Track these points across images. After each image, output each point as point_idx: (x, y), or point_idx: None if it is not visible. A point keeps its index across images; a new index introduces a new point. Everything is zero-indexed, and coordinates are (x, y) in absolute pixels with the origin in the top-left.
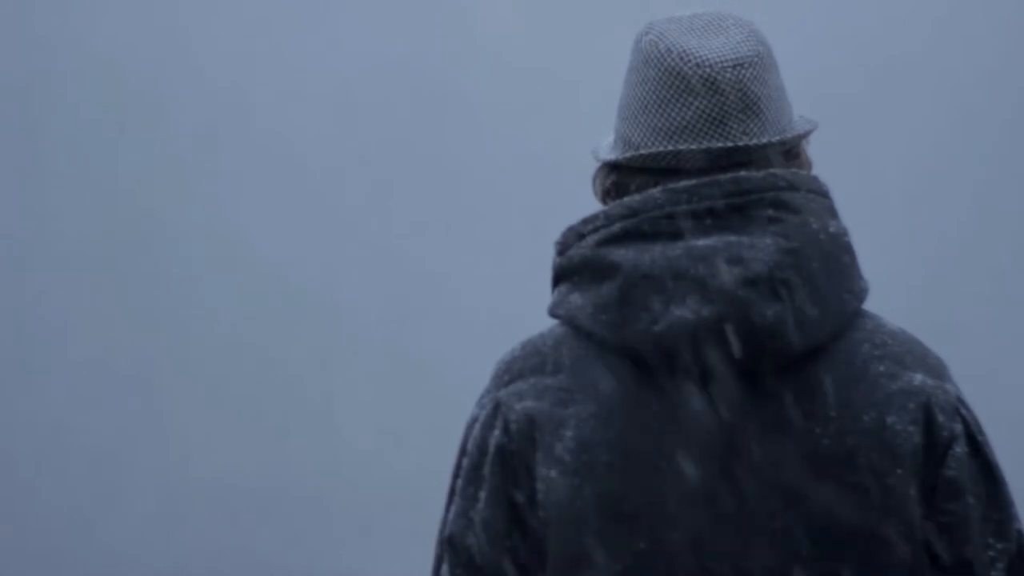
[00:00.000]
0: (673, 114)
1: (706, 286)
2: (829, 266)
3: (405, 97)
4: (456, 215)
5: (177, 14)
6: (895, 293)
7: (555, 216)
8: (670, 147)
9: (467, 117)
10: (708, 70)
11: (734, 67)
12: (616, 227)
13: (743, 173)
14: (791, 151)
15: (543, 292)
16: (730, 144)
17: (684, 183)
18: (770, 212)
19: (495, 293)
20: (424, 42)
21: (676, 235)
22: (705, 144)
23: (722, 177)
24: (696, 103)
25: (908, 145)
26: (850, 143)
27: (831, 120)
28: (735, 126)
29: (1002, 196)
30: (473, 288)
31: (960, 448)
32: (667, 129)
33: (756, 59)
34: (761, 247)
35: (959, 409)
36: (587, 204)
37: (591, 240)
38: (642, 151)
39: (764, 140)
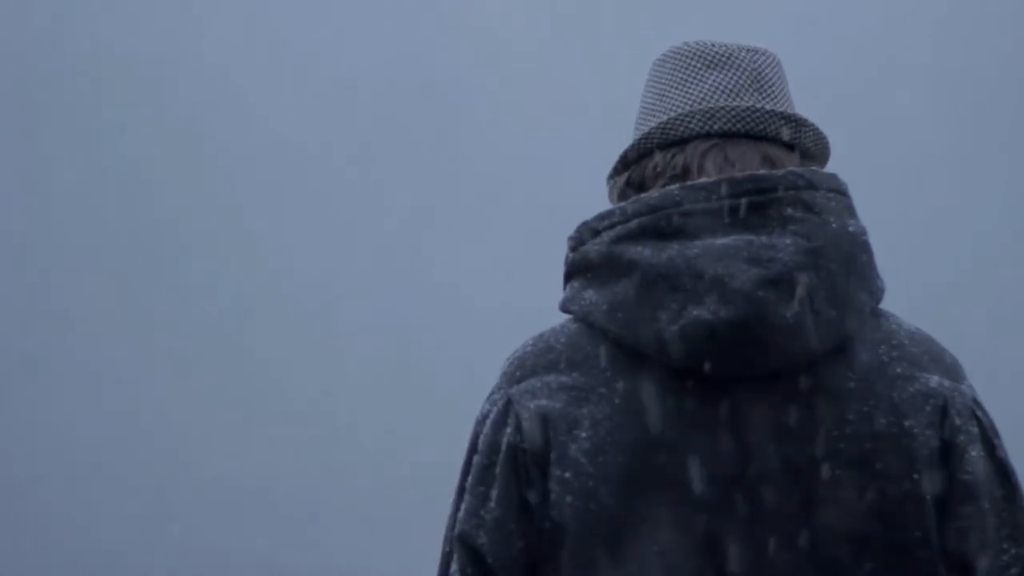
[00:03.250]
0: (690, 90)
1: (725, 287)
2: (848, 266)
3: (406, 92)
4: (458, 211)
5: (179, 9)
6: (897, 291)
7: (559, 212)
8: (683, 110)
9: (469, 112)
10: (723, 49)
11: (748, 51)
12: (633, 224)
13: (762, 171)
14: (809, 152)
15: (547, 288)
16: (745, 104)
17: (703, 180)
18: (789, 211)
19: (498, 289)
20: (426, 38)
21: (694, 233)
22: (719, 104)
23: (740, 175)
24: (712, 77)
25: (911, 144)
26: (851, 142)
27: (833, 119)
28: (748, 98)
29: (1005, 194)
30: (476, 284)
31: (976, 451)
32: (682, 104)
33: (770, 56)
34: (780, 247)
35: (975, 411)
36: (592, 199)
37: (607, 236)
38: (658, 118)
39: (778, 108)
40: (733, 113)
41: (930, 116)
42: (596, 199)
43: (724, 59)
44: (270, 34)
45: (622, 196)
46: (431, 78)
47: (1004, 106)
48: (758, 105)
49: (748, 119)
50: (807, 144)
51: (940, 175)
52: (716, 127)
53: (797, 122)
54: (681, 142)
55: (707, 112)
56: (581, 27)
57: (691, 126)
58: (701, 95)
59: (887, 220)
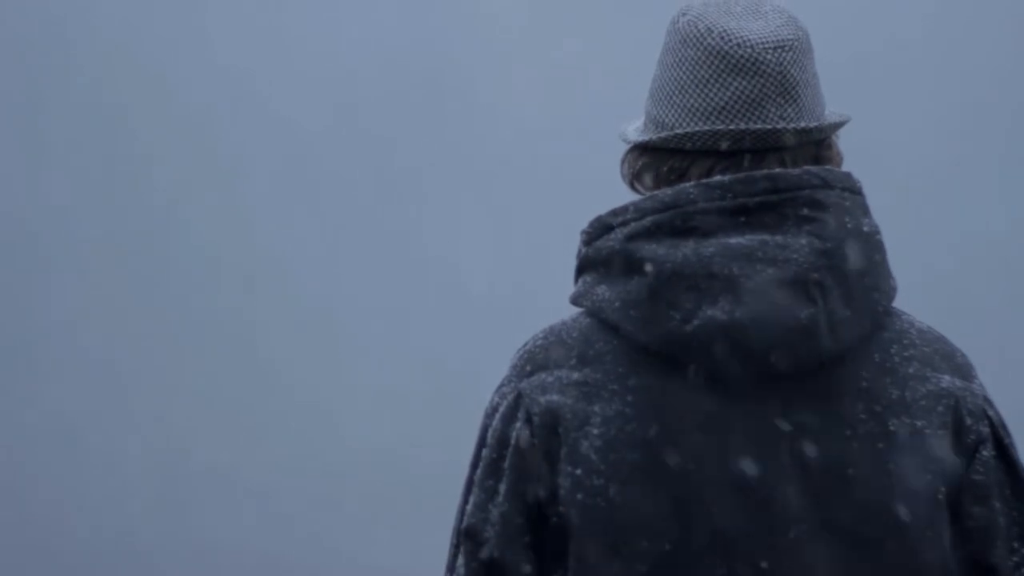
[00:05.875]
0: (711, 95)
1: (739, 287)
2: (862, 266)
3: (411, 84)
4: (463, 205)
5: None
6: (899, 288)
7: (565, 207)
8: (706, 127)
9: (473, 105)
10: (749, 51)
11: (775, 49)
12: (647, 221)
13: (778, 170)
14: (824, 141)
15: (555, 285)
16: (768, 127)
17: (718, 179)
18: (804, 211)
19: (504, 284)
20: (430, 28)
21: (708, 232)
22: (742, 126)
23: (757, 173)
24: (735, 84)
25: (911, 136)
26: (849, 134)
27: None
28: (773, 109)
29: (1006, 189)
30: (481, 279)
31: (987, 452)
32: (703, 109)
33: (796, 43)
34: (795, 247)
35: (986, 411)
36: (597, 194)
37: (620, 233)
38: (676, 131)
39: (801, 125)
40: (756, 135)
41: (931, 106)
42: (604, 192)
43: (749, 64)
44: (277, 23)
45: (635, 177)
46: (437, 66)
47: (1006, 94)
48: (780, 125)
49: (769, 138)
50: (823, 150)
51: (938, 165)
52: (734, 146)
53: (818, 131)
54: (699, 151)
55: (728, 133)
56: (591, 16)
57: (709, 143)
58: (723, 103)
59: (887, 210)
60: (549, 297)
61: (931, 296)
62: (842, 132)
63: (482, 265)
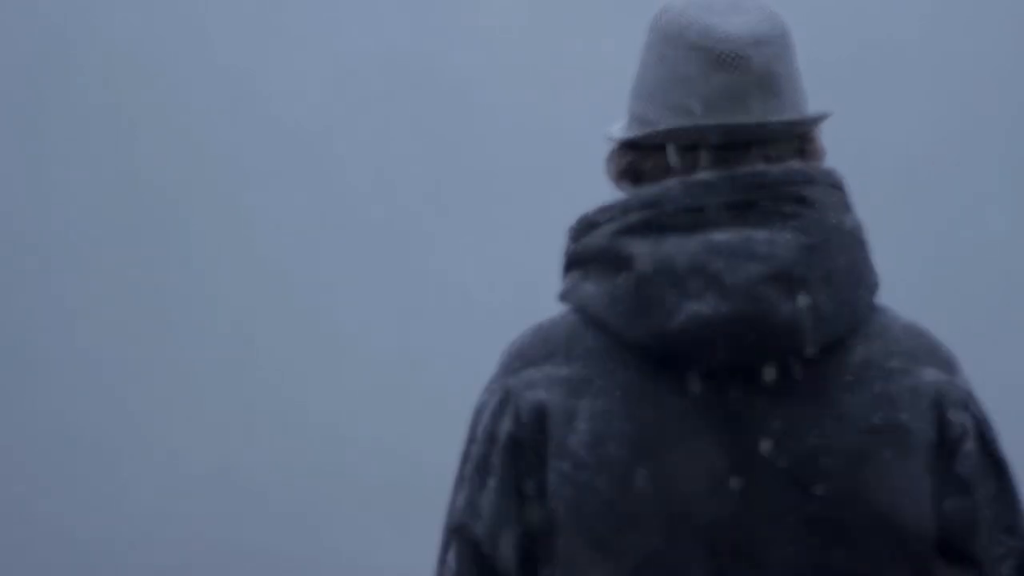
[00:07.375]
0: (693, 90)
1: (724, 282)
2: (846, 261)
3: (411, 84)
4: (461, 205)
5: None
6: (891, 289)
7: (564, 207)
8: (689, 123)
9: (473, 105)
10: (731, 46)
11: (756, 44)
12: (632, 218)
13: (762, 167)
14: (807, 135)
15: (549, 285)
16: (751, 121)
17: (702, 175)
18: (788, 207)
19: (499, 284)
20: (430, 28)
21: (693, 228)
22: (725, 120)
23: (741, 170)
24: (717, 79)
25: (904, 136)
26: (844, 133)
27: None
28: (755, 103)
29: (1006, 189)
30: (476, 279)
31: (971, 444)
32: (686, 105)
33: (777, 38)
34: (780, 243)
35: (969, 404)
36: (597, 194)
37: (607, 230)
38: (660, 127)
39: (784, 118)
40: (739, 129)
41: (925, 105)
42: (601, 191)
43: (731, 60)
44: (278, 23)
45: (621, 176)
46: (437, 67)
47: (1005, 94)
48: (763, 119)
49: (753, 133)
50: (806, 144)
51: (937, 165)
52: (718, 140)
53: (801, 124)
54: (683, 147)
55: (712, 128)
56: (588, 16)
57: (693, 138)
58: (703, 99)
59: (881, 212)
60: (549, 297)
61: (930, 296)
62: (840, 132)
63: (482, 265)
